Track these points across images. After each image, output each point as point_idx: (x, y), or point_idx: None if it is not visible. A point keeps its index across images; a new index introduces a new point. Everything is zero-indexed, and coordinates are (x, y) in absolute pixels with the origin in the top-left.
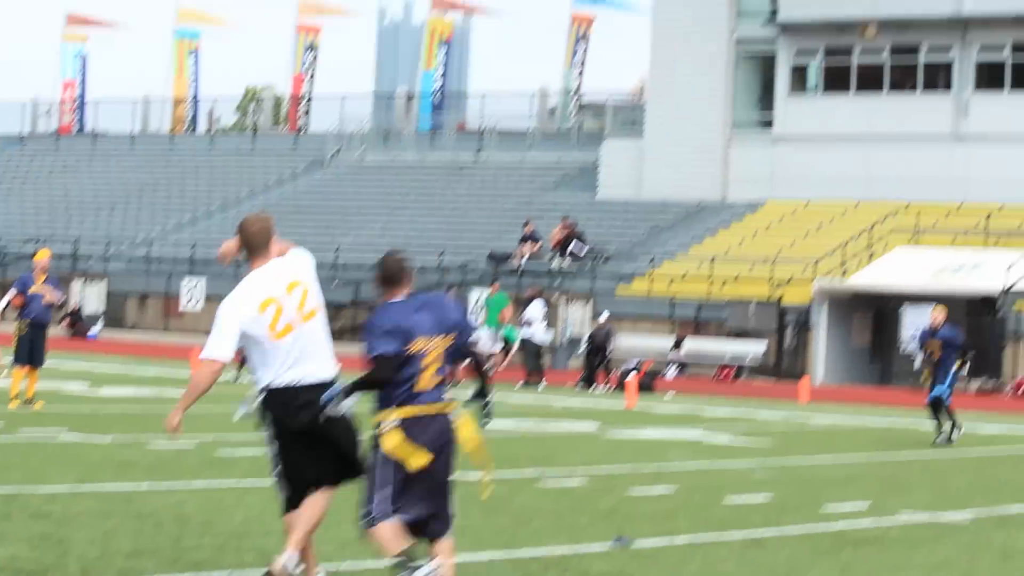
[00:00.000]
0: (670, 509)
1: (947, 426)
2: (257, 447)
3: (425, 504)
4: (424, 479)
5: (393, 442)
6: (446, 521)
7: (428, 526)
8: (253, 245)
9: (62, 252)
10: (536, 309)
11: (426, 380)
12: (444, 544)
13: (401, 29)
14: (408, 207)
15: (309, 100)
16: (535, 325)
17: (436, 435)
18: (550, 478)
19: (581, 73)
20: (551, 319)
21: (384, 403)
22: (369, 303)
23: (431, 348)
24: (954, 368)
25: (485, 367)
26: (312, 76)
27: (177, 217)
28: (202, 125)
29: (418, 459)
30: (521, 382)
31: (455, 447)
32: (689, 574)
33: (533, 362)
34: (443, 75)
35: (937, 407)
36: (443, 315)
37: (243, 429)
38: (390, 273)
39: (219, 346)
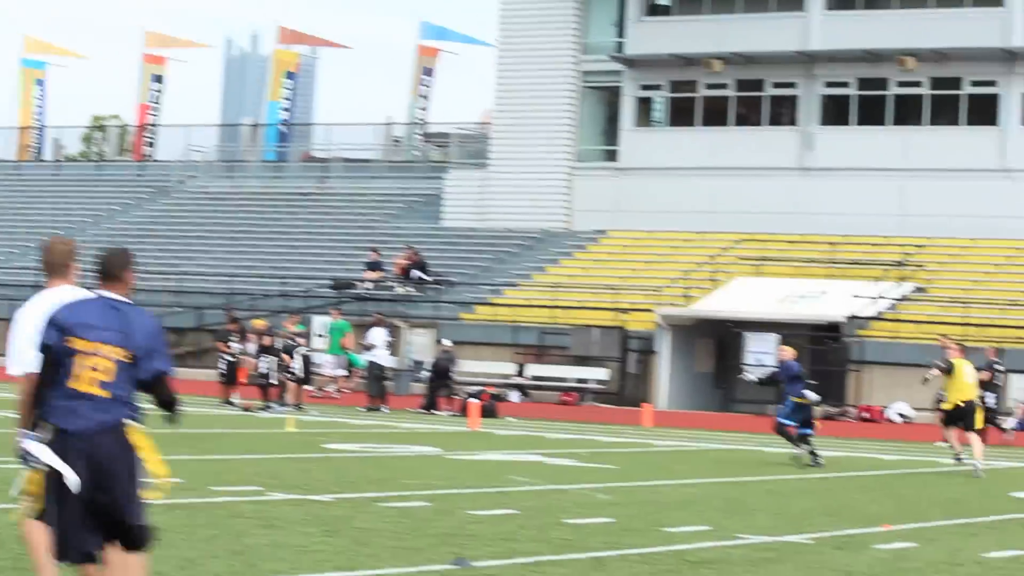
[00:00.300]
0: (511, 530)
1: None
2: None
3: (82, 522)
4: (77, 497)
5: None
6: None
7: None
8: (52, 266)
9: None
10: (378, 335)
11: (85, 386)
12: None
13: (248, 60)
14: (253, 234)
15: (155, 128)
16: (377, 350)
17: (88, 451)
18: (391, 500)
19: (426, 104)
20: (394, 345)
21: (38, 407)
22: (212, 328)
23: (100, 354)
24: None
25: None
26: (158, 105)
27: (23, 243)
28: (48, 153)
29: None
30: (364, 406)
31: (121, 463)
32: None
33: (376, 387)
34: (289, 106)
35: (783, 433)
36: (130, 329)
37: None
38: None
39: (21, 359)
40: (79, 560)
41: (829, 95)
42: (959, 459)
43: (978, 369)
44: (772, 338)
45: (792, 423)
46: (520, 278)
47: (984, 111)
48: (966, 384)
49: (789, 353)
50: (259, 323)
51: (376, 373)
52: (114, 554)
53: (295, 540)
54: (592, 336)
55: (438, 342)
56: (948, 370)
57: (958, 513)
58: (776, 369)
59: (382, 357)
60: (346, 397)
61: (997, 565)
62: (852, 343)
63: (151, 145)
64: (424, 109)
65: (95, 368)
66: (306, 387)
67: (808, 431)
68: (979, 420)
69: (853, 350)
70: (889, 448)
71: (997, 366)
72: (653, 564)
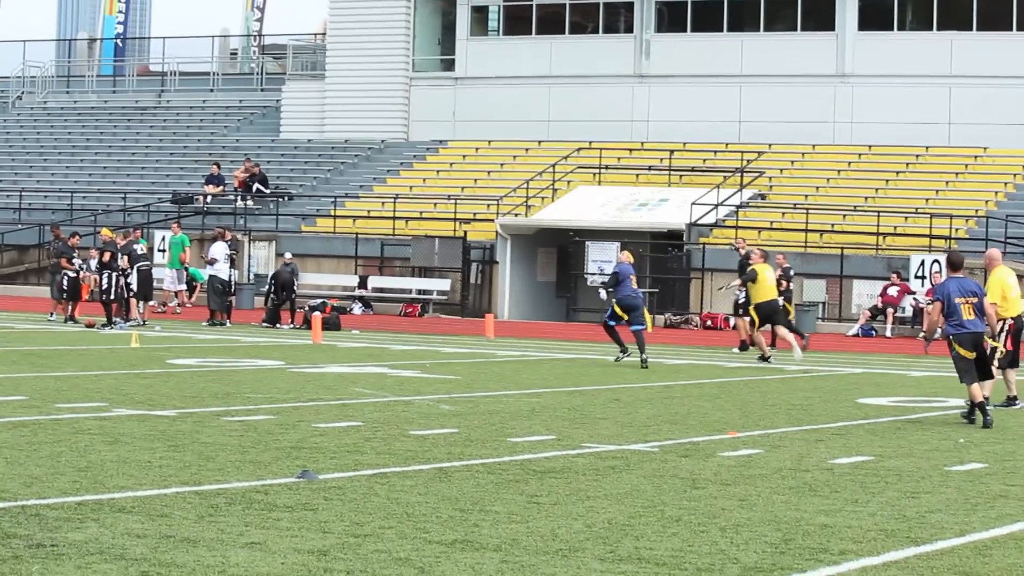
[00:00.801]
0: (356, 442)
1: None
2: None
3: None
4: None
5: None
6: None
7: None
8: None
9: None
10: (219, 249)
11: None
12: None
13: None
14: (92, 149)
15: None
16: (219, 264)
17: None
18: (236, 415)
19: (262, 16)
20: (236, 259)
21: None
22: (51, 245)
23: None
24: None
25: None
26: None
27: None
28: None
29: None
30: (207, 321)
31: None
32: (375, 506)
33: (218, 301)
34: (124, 20)
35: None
36: None
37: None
38: None
39: None
40: None
41: (664, 1)
42: (767, 359)
43: (778, 279)
44: (613, 247)
45: (615, 323)
46: (360, 189)
47: (821, 16)
48: (769, 287)
49: (625, 256)
50: (107, 232)
51: (217, 287)
52: None
53: (140, 455)
54: (433, 247)
55: (279, 255)
56: (752, 279)
57: (803, 420)
58: (616, 272)
59: (223, 271)
60: (188, 312)
61: (843, 471)
62: (693, 250)
63: None
64: (260, 21)
65: None
66: (148, 302)
67: (639, 327)
68: (790, 313)
69: (694, 257)
70: (733, 356)
71: (788, 272)
72: (498, 474)
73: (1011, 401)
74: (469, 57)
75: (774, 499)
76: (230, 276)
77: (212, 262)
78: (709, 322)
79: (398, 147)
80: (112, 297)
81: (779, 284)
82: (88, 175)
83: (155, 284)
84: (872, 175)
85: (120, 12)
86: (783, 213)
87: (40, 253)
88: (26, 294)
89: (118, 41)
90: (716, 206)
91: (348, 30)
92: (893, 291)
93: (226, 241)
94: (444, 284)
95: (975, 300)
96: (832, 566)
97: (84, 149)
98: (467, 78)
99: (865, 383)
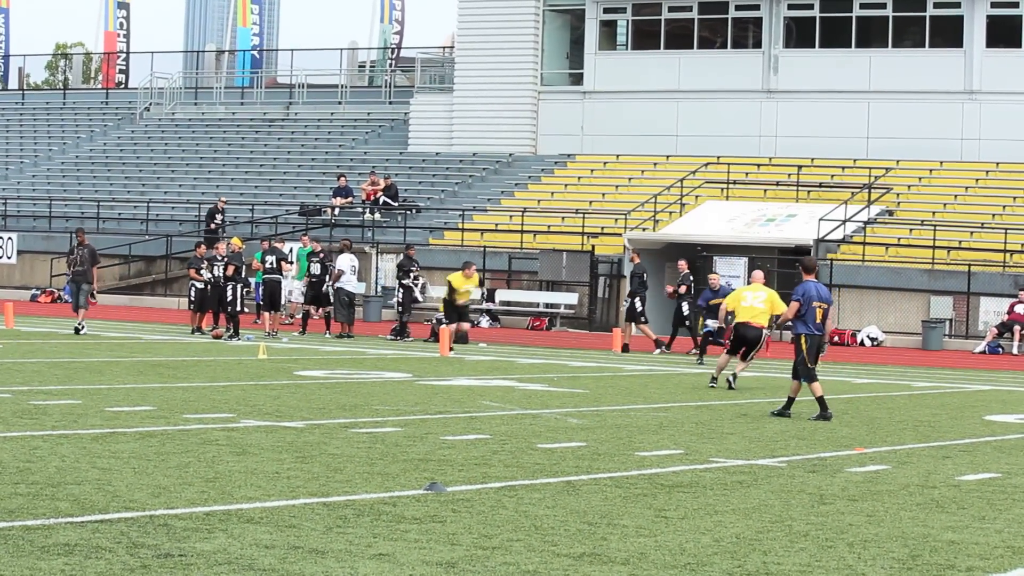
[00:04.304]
0: (483, 455)
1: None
2: (70, 397)
3: None
4: None
5: None
6: None
7: None
8: None
9: None
10: (345, 261)
11: None
12: None
13: None
14: (220, 161)
15: (125, 56)
16: (346, 276)
17: None
18: (363, 427)
19: (401, 29)
20: (363, 271)
21: None
22: (180, 256)
23: None
24: None
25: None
26: (126, 33)
27: None
28: (13, 82)
29: None
30: (335, 333)
31: None
32: (502, 519)
33: (345, 313)
34: (260, 31)
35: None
36: None
37: (55, 381)
38: None
39: None
40: None
41: (793, 17)
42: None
43: (679, 284)
44: (740, 262)
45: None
46: (488, 203)
47: (948, 32)
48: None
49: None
50: (237, 241)
51: (344, 299)
52: None
53: (268, 467)
54: (561, 260)
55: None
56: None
57: (931, 436)
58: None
59: (350, 283)
60: (315, 323)
61: (970, 487)
62: (821, 266)
63: (123, 72)
64: (399, 34)
65: None
66: (277, 313)
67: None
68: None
69: (822, 273)
70: (860, 372)
71: (687, 278)
72: (626, 488)
73: None
74: (597, 71)
75: (901, 515)
76: (356, 289)
77: (339, 275)
78: (836, 338)
79: (526, 161)
80: (240, 308)
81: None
82: (215, 186)
83: (285, 296)
84: (1000, 192)
85: (255, 24)
86: (910, 229)
87: (168, 264)
88: (153, 305)
89: (255, 53)
90: (844, 222)
91: (477, 44)
92: (1020, 308)
93: (351, 253)
94: (572, 298)
95: (826, 307)
96: None
97: (212, 161)
98: (595, 92)
99: (992, 400)
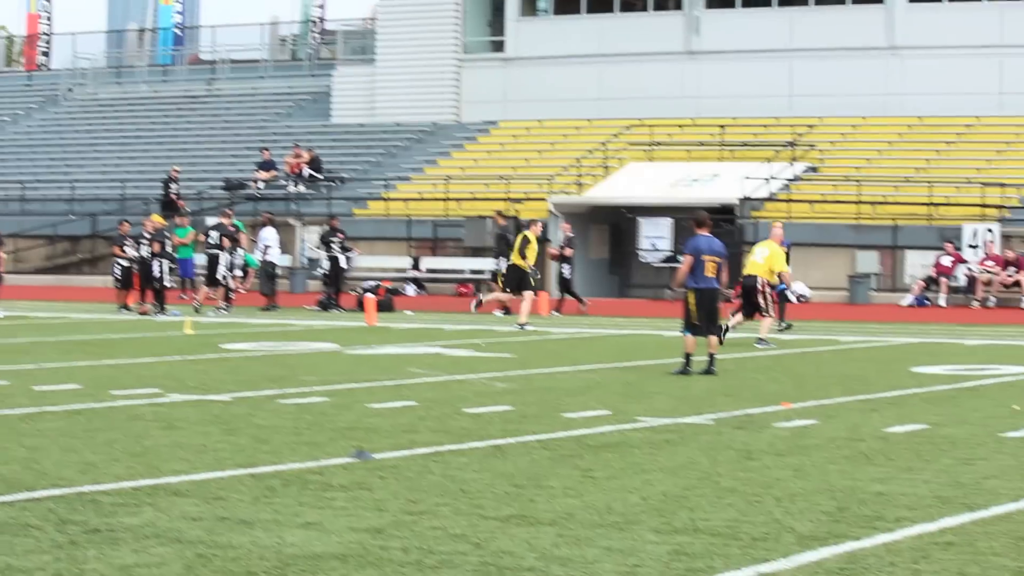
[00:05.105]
0: (410, 422)
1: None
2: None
3: None
4: None
5: None
6: None
7: None
8: None
9: None
10: (270, 234)
11: None
12: None
13: None
14: (144, 139)
15: (48, 38)
16: (271, 249)
17: None
18: (290, 398)
19: (323, 2)
20: (288, 244)
21: None
22: (105, 235)
23: None
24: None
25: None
26: (49, 15)
27: None
28: None
29: None
30: (260, 306)
31: None
32: (430, 483)
33: (269, 285)
34: (183, 9)
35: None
36: None
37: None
38: None
39: None
40: None
41: None
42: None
43: (561, 247)
44: (666, 222)
45: None
46: (412, 172)
47: None
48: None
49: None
50: (157, 218)
51: (269, 272)
52: None
53: (195, 440)
54: (486, 227)
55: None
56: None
57: (858, 390)
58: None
59: (275, 256)
60: (241, 297)
61: (898, 439)
62: (746, 225)
63: (46, 55)
64: (321, 7)
65: None
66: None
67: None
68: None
69: (747, 232)
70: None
71: (572, 241)
72: (553, 449)
73: None
74: (520, 37)
75: (828, 468)
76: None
77: (265, 248)
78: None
79: (449, 129)
80: (166, 284)
81: (563, 251)
82: (139, 164)
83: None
84: (924, 146)
85: (177, 2)
86: (835, 185)
87: (94, 243)
88: (79, 284)
89: (177, 30)
90: (768, 180)
91: (398, 13)
92: (946, 261)
93: (275, 227)
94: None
95: (719, 260)
96: (887, 533)
97: (136, 138)
98: (517, 58)
99: (919, 352)
